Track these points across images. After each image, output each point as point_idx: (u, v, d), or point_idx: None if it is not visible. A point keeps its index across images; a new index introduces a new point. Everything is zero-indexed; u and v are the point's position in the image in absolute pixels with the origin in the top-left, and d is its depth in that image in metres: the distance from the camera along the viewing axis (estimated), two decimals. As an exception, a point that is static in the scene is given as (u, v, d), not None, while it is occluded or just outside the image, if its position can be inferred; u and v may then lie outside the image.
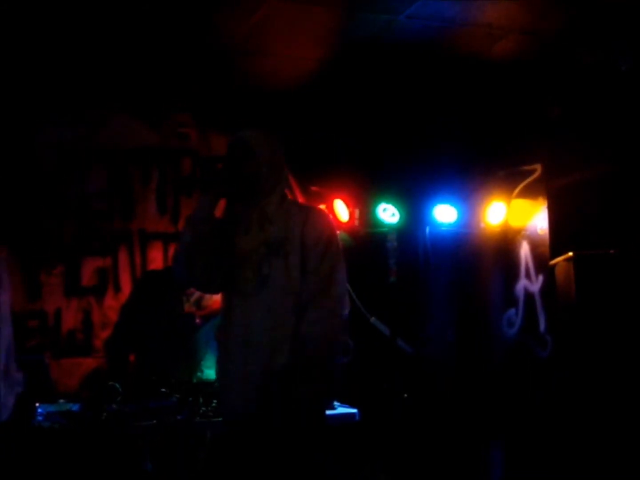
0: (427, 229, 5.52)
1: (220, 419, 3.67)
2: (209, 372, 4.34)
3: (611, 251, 4.62)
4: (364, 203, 5.32)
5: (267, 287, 2.81)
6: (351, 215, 5.22)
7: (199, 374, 4.32)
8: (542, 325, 5.05)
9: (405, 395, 4.93)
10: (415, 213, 5.41)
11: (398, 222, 5.31)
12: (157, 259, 5.38)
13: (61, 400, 3.77)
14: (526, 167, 5.26)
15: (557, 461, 4.52)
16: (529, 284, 5.21)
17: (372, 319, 5.29)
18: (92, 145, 5.30)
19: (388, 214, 5.31)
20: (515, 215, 5.40)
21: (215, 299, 4.64)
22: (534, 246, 5.19)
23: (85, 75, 4.98)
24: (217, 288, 3.02)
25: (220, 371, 2.97)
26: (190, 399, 3.84)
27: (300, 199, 5.16)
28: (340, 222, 5.15)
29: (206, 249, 2.83)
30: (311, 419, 2.79)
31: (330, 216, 3.09)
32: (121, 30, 4.45)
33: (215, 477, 2.79)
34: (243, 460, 2.78)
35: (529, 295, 5.21)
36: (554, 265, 4.92)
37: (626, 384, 4.35)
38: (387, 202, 5.31)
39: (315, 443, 2.81)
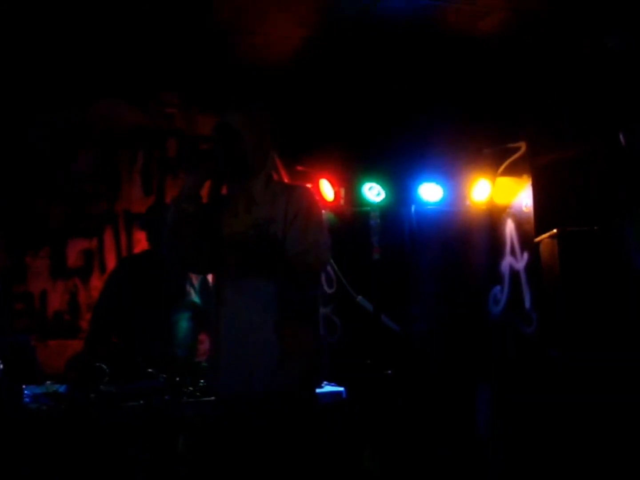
0: (413, 208, 5.53)
1: (207, 398, 3.72)
2: (182, 351, 4.39)
3: (595, 227, 4.65)
4: (349, 182, 5.33)
5: (257, 272, 2.83)
6: (337, 194, 5.23)
7: (174, 352, 4.35)
8: (527, 302, 5.09)
9: (389, 372, 4.97)
10: (400, 192, 5.42)
11: (383, 201, 5.33)
12: (142, 240, 5.36)
13: (48, 382, 3.75)
14: (511, 145, 5.28)
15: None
16: (514, 261, 5.24)
17: (359, 298, 5.32)
18: (79, 127, 5.29)
19: (373, 192, 5.32)
20: (500, 193, 5.42)
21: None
22: (519, 223, 5.22)
23: (73, 58, 4.97)
24: (205, 269, 3.08)
25: (211, 352, 3.00)
26: (178, 379, 3.84)
27: (286, 179, 5.16)
28: (326, 201, 5.15)
29: (191, 229, 2.83)
30: (302, 396, 2.84)
31: (314, 194, 3.07)
32: (107, 12, 4.43)
33: (210, 458, 2.82)
34: (237, 440, 2.81)
35: (514, 272, 5.24)
36: (539, 242, 4.95)
37: (610, 358, 4.39)
38: (373, 181, 5.32)
39: (308, 420, 2.85)
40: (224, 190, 3.02)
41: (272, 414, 2.78)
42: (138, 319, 4.29)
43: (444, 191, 5.46)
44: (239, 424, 2.82)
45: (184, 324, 4.42)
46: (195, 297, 4.41)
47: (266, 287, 2.82)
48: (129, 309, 4.30)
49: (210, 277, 4.46)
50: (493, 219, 5.47)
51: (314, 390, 2.99)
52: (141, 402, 3.66)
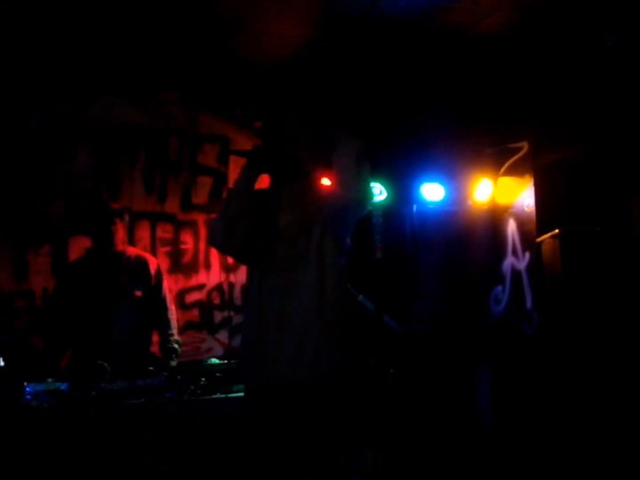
0: (415, 207, 5.54)
1: (208, 397, 3.73)
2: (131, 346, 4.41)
3: (597, 228, 4.64)
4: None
5: (302, 264, 2.96)
6: (338, 194, 5.22)
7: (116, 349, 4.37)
8: (528, 302, 5.08)
9: (391, 370, 4.97)
10: (402, 191, 5.43)
11: (385, 200, 5.33)
12: (144, 238, 5.40)
13: (49, 380, 3.76)
14: (513, 145, 5.27)
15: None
16: (516, 261, 5.23)
17: (360, 297, 5.31)
18: (80, 126, 5.29)
19: (375, 192, 5.32)
20: (502, 192, 5.42)
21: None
22: (521, 223, 5.21)
23: (74, 56, 4.97)
24: (253, 260, 3.15)
25: (249, 343, 3.04)
26: (179, 377, 3.85)
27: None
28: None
29: (246, 222, 3.00)
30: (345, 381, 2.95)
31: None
32: (108, 11, 4.43)
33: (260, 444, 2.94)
34: (280, 427, 2.92)
35: (515, 272, 5.23)
36: (541, 242, 4.94)
37: (612, 358, 4.39)
38: (375, 181, 5.32)
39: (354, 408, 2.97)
40: (277, 186, 3.15)
41: (318, 403, 2.89)
42: (83, 319, 4.32)
43: (445, 191, 5.47)
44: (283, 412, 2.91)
45: (129, 320, 4.43)
46: (138, 291, 4.45)
47: (314, 282, 2.93)
48: (73, 312, 4.35)
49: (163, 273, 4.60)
50: (495, 218, 5.47)
51: (356, 375, 3.08)
52: (142, 400, 3.67)
